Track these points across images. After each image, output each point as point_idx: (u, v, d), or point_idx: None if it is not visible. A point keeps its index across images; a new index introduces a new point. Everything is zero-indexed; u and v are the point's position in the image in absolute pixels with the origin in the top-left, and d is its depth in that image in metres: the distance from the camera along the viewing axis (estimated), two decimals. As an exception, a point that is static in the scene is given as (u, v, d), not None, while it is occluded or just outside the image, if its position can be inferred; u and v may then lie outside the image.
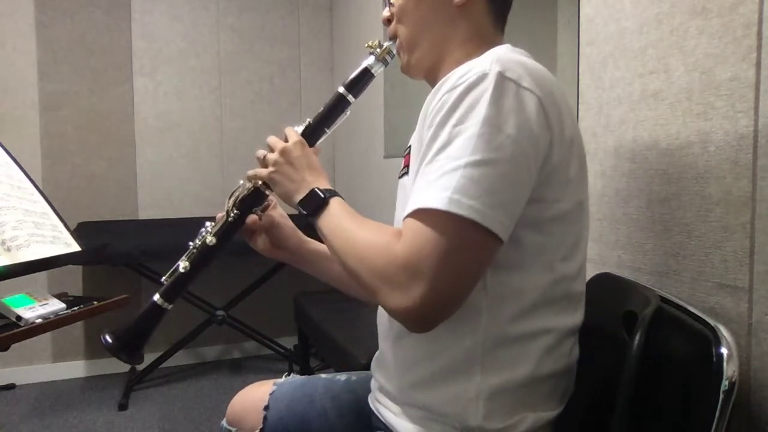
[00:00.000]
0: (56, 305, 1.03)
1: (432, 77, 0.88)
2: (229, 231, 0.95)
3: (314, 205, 0.80)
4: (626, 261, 1.09)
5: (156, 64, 2.98)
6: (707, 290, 0.90)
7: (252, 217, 0.97)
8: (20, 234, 1.04)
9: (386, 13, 0.91)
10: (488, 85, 0.65)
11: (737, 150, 0.85)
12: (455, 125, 0.66)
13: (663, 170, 0.99)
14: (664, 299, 0.81)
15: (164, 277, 0.95)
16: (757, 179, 0.82)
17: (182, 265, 0.94)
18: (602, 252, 1.16)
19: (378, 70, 0.94)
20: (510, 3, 0.89)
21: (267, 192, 0.94)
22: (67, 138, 2.85)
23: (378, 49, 0.93)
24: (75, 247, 1.16)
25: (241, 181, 0.96)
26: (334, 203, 0.80)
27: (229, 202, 0.95)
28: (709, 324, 0.70)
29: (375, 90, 2.56)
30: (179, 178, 3.06)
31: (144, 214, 3.00)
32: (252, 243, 1.02)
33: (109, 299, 1.13)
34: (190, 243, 0.96)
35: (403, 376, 0.79)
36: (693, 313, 0.75)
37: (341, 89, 0.93)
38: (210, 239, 0.94)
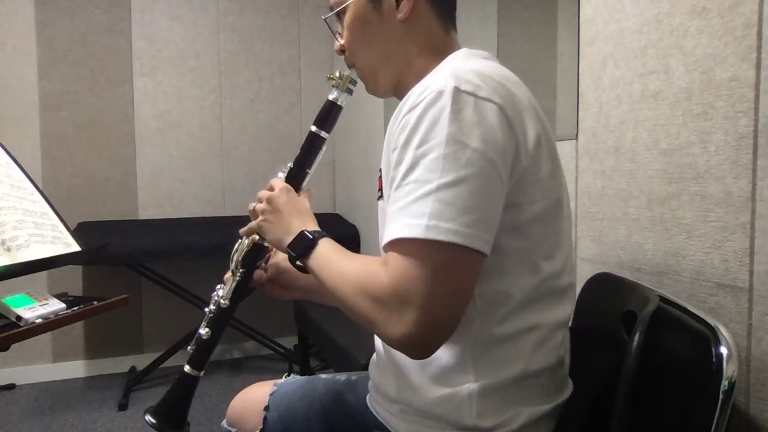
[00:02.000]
0: (56, 305, 1.03)
1: (399, 93, 0.88)
2: (239, 290, 0.97)
3: (303, 246, 0.81)
4: (626, 261, 1.09)
5: (156, 64, 2.98)
6: (707, 290, 0.90)
7: (258, 273, 0.99)
8: (20, 234, 1.04)
9: (337, 44, 0.92)
10: (446, 101, 0.66)
11: (737, 150, 0.85)
12: (418, 146, 0.66)
13: (663, 170, 0.99)
14: (663, 299, 0.81)
15: (189, 346, 0.98)
16: (757, 179, 0.82)
17: (203, 331, 0.97)
18: (602, 252, 1.16)
19: (344, 101, 0.95)
20: (454, 1, 0.89)
21: (265, 244, 0.96)
22: (67, 138, 2.85)
23: (339, 81, 0.94)
24: (75, 247, 1.15)
25: (240, 240, 0.98)
26: (323, 243, 0.80)
27: (232, 262, 0.97)
28: (709, 324, 0.70)
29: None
30: (179, 178, 3.06)
31: (144, 214, 3.00)
32: (265, 292, 1.04)
33: (109, 299, 1.12)
34: (206, 309, 0.99)
35: (398, 381, 0.80)
36: (693, 313, 0.75)
37: (313, 128, 0.95)
38: (224, 303, 0.97)
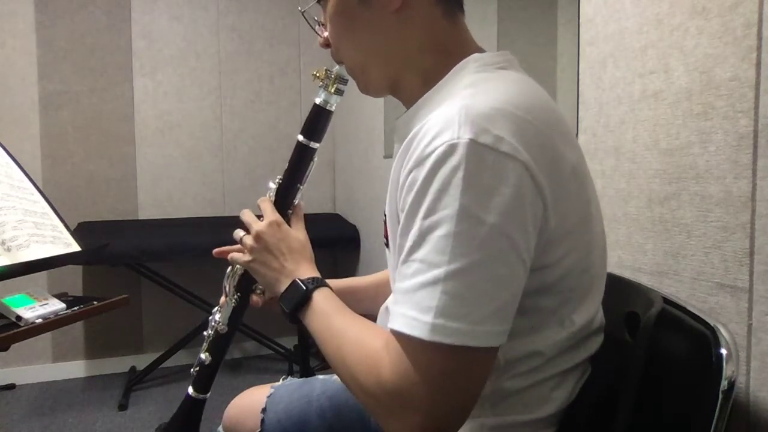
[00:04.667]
0: (56, 305, 1.03)
1: (397, 94, 0.79)
2: (236, 315, 0.94)
3: (296, 300, 0.75)
4: (626, 261, 1.09)
5: (156, 64, 2.98)
6: (707, 290, 0.90)
7: (254, 299, 0.93)
8: (20, 234, 1.04)
9: (320, 39, 0.82)
10: (459, 161, 0.55)
11: (737, 150, 0.85)
12: (425, 216, 0.57)
13: (663, 170, 0.99)
14: (664, 299, 0.81)
15: (192, 369, 0.97)
16: (757, 179, 0.82)
17: (203, 356, 0.95)
18: (602, 252, 1.16)
19: (334, 104, 0.85)
20: None
21: None
22: (67, 138, 2.85)
23: (327, 80, 0.84)
24: (75, 247, 1.15)
25: (231, 266, 0.93)
26: (318, 298, 0.74)
27: (226, 287, 0.93)
28: (709, 324, 0.70)
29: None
30: (179, 178, 3.06)
31: (144, 214, 3.00)
32: (268, 310, 0.96)
33: (109, 299, 1.13)
34: (204, 333, 0.96)
35: None
36: (693, 313, 0.75)
37: (300, 138, 0.86)
38: (221, 328, 0.93)
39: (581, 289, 0.68)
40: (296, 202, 0.88)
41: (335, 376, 1.03)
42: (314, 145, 0.86)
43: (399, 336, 0.58)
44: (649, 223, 1.03)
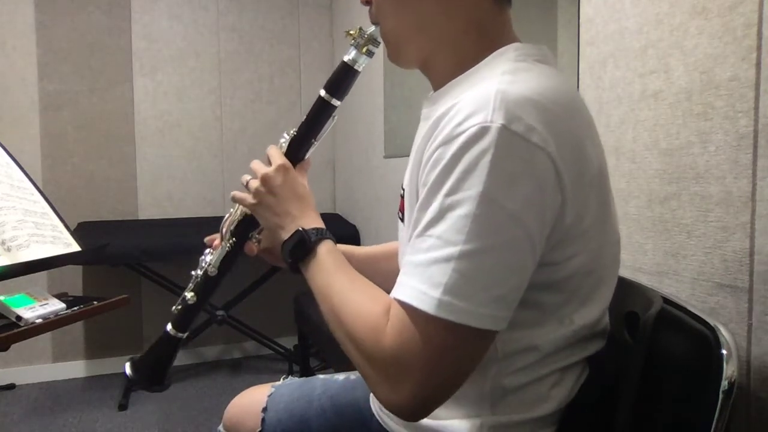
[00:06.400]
0: (56, 305, 1.03)
1: (427, 69, 0.77)
2: (228, 260, 0.91)
3: (299, 250, 0.75)
4: (626, 261, 1.09)
5: (156, 64, 2.98)
6: (707, 290, 0.90)
7: (249, 246, 0.91)
8: (20, 234, 1.04)
9: None
10: (489, 144, 0.55)
11: (737, 150, 0.85)
12: (447, 194, 0.57)
13: (663, 170, 0.99)
14: (664, 299, 0.81)
15: (174, 307, 0.95)
16: (757, 179, 0.82)
17: (188, 295, 0.93)
18: (602, 252, 1.16)
19: (362, 64, 0.81)
20: None
21: None
22: (67, 138, 2.85)
23: (359, 39, 0.80)
24: (75, 247, 1.15)
25: (232, 209, 0.91)
26: (322, 250, 0.74)
27: (223, 229, 0.91)
28: (709, 324, 0.70)
29: (375, 89, 2.57)
30: (179, 178, 3.06)
31: (144, 214, 3.00)
32: (265, 260, 0.96)
33: (109, 299, 1.13)
34: (193, 272, 0.94)
35: None
36: (693, 313, 0.75)
37: (323, 93, 0.83)
38: (211, 270, 0.91)
39: (586, 290, 0.68)
40: (307, 156, 0.87)
41: (336, 376, 1.03)
42: (335, 102, 0.84)
43: (405, 306, 0.59)
44: (649, 223, 1.03)
